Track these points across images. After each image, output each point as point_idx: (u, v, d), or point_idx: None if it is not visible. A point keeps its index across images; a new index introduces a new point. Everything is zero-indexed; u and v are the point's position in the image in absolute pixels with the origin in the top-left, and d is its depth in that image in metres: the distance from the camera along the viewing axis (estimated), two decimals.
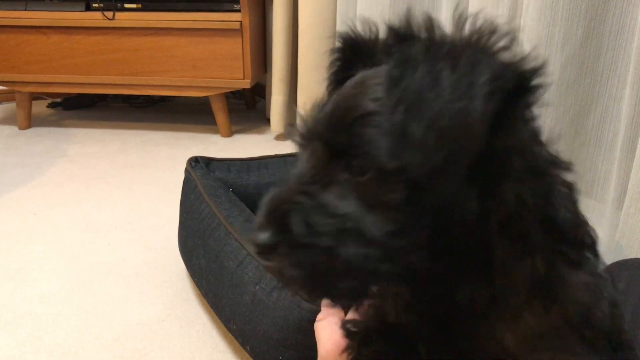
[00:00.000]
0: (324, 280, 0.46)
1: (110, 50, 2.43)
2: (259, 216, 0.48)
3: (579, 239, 0.51)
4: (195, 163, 1.49)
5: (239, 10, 2.32)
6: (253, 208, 1.42)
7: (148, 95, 2.86)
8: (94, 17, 2.37)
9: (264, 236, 0.47)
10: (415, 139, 0.39)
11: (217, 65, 2.38)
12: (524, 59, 0.42)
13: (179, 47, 2.39)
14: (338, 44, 0.57)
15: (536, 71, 0.42)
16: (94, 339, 1.26)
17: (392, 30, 0.44)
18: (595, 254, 0.52)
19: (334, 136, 0.47)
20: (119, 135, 2.55)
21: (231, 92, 2.81)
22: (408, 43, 0.42)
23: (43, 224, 1.77)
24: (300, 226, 0.45)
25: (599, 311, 0.51)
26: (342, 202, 0.46)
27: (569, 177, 0.52)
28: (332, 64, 0.58)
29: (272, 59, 2.42)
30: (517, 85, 0.41)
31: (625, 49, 1.29)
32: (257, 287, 1.07)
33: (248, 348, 1.10)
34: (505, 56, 0.42)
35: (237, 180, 1.51)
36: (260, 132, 2.61)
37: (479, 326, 0.50)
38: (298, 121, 0.54)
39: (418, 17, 0.44)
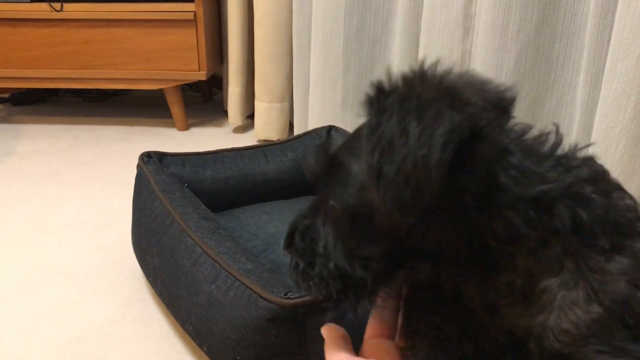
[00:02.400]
0: (309, 283, 0.59)
1: (59, 43, 2.34)
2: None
3: (612, 225, 0.52)
4: (148, 158, 1.45)
5: (192, 0, 2.26)
6: (209, 204, 1.38)
7: (101, 89, 2.78)
8: (41, 9, 2.28)
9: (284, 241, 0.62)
10: (388, 178, 0.47)
11: (171, 57, 2.32)
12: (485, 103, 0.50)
13: (132, 38, 2.31)
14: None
15: (493, 118, 0.49)
16: (44, 344, 1.21)
17: (377, 85, 0.52)
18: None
19: (323, 174, 0.58)
20: (71, 131, 2.47)
21: (187, 85, 2.74)
22: (387, 96, 0.50)
23: None
24: (297, 241, 0.60)
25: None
26: (323, 228, 0.58)
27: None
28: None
29: (228, 49, 2.37)
30: (473, 132, 0.47)
31: (579, 36, 1.29)
32: (212, 287, 1.04)
33: (205, 349, 1.07)
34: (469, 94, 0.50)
35: (193, 175, 1.47)
36: (218, 125, 2.56)
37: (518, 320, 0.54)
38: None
39: (397, 73, 0.52)
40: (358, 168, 0.53)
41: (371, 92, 0.52)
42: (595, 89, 1.20)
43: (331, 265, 0.57)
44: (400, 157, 0.46)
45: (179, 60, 2.32)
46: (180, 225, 1.19)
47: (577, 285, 0.51)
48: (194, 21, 2.27)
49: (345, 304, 0.59)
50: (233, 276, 1.02)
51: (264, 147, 1.63)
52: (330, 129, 1.70)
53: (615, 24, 1.08)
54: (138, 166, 1.44)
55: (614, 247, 0.51)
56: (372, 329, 0.63)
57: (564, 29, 1.31)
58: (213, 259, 1.08)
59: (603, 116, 1.11)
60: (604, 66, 1.13)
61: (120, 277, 1.44)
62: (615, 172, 1.08)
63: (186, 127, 2.48)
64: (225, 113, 2.54)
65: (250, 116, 2.45)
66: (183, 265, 1.13)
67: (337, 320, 0.65)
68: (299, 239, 0.60)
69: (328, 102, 1.99)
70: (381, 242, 0.54)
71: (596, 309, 0.50)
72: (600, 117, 1.12)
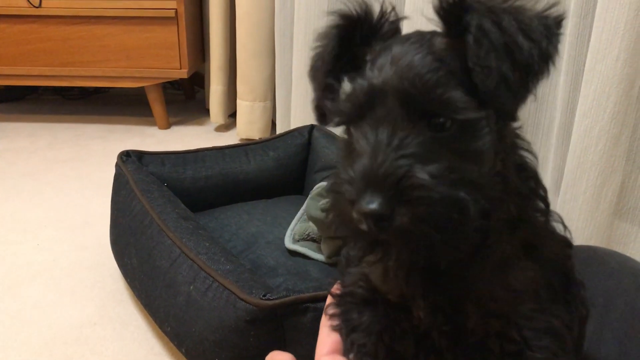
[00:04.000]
0: (454, 232, 0.47)
1: (38, 40, 2.31)
2: (356, 185, 0.46)
3: (541, 189, 0.55)
4: (127, 157, 1.43)
5: None
6: (189, 203, 1.37)
7: (81, 87, 2.75)
8: (19, 4, 2.24)
9: (376, 204, 0.44)
10: (510, 80, 0.46)
11: (152, 55, 2.29)
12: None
13: (112, 36, 2.29)
14: (337, 21, 0.56)
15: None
16: (19, 346, 1.19)
17: None
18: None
19: (411, 97, 0.48)
20: (50, 129, 2.43)
21: (169, 82, 2.72)
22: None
23: None
24: (425, 179, 0.46)
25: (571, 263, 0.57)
26: (438, 158, 0.47)
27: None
28: (329, 42, 0.56)
29: (210, 47, 2.35)
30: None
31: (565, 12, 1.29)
32: (191, 287, 1.02)
33: (184, 350, 1.05)
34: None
35: (172, 174, 1.45)
36: (200, 123, 2.54)
37: (470, 274, 0.52)
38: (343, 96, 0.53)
39: None
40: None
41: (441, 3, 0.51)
42: (575, 89, 1.20)
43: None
44: (520, 57, 0.47)
45: (160, 58, 2.30)
46: (159, 225, 1.17)
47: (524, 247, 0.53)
48: (175, 18, 2.25)
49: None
50: (212, 277, 1.01)
51: (246, 146, 1.61)
52: (312, 128, 1.69)
53: (595, 24, 1.08)
54: (117, 165, 1.42)
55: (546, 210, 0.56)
56: (324, 346, 0.61)
57: None
58: (191, 259, 1.06)
59: (583, 116, 1.12)
60: (584, 66, 1.13)
61: (98, 278, 1.42)
62: (595, 172, 1.10)
63: (167, 125, 2.46)
64: (207, 111, 2.52)
65: (232, 115, 2.43)
66: (161, 266, 1.11)
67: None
68: (416, 182, 0.46)
69: (311, 101, 1.98)
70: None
71: (531, 267, 0.53)
72: (579, 117, 1.13)
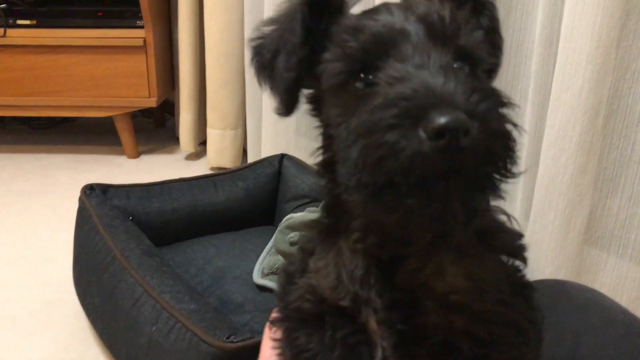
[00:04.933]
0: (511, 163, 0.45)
1: (3, 70, 2.26)
2: (417, 104, 0.41)
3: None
4: (91, 191, 1.39)
5: (142, 27, 2.22)
6: (156, 237, 1.34)
7: (49, 116, 2.69)
8: None
9: (457, 114, 0.40)
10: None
11: (121, 84, 2.26)
12: None
13: (79, 65, 2.25)
14: None
15: None
16: None
17: None
18: None
19: (444, 30, 0.48)
20: (15, 159, 2.38)
21: (139, 110, 2.69)
22: None
23: None
24: (491, 101, 0.43)
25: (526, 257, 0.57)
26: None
27: None
28: (300, 14, 0.52)
29: (180, 76, 2.33)
30: None
31: (525, 65, 1.30)
32: (153, 328, 0.99)
33: None
34: None
35: (138, 207, 1.42)
36: (170, 152, 2.51)
37: (428, 265, 0.51)
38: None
39: None
40: None
41: None
42: (542, 117, 1.20)
43: None
44: None
45: (128, 87, 2.27)
46: (121, 262, 1.14)
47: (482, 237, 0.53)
48: (143, 47, 2.22)
49: None
50: (174, 317, 0.98)
51: (214, 177, 1.59)
52: (282, 157, 1.67)
53: (559, 54, 1.09)
54: (80, 199, 1.38)
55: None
56: (268, 349, 0.59)
57: (510, 58, 1.32)
58: (154, 298, 1.03)
59: (549, 145, 1.12)
60: (550, 96, 1.13)
61: (60, 317, 1.37)
62: (563, 202, 1.09)
63: (136, 154, 2.42)
64: (177, 139, 2.49)
65: (203, 142, 2.40)
66: (123, 306, 1.07)
67: None
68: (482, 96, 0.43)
69: (281, 128, 1.96)
70: None
71: (490, 256, 0.53)
72: (546, 147, 1.13)
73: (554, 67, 1.14)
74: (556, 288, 0.80)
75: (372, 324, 0.53)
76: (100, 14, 2.24)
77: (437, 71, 0.43)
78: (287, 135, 1.96)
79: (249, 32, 2.03)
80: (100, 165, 2.34)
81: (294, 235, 1.18)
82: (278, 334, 0.58)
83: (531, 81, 1.26)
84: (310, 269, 0.57)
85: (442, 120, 0.39)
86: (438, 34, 0.47)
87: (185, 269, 1.28)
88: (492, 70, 0.57)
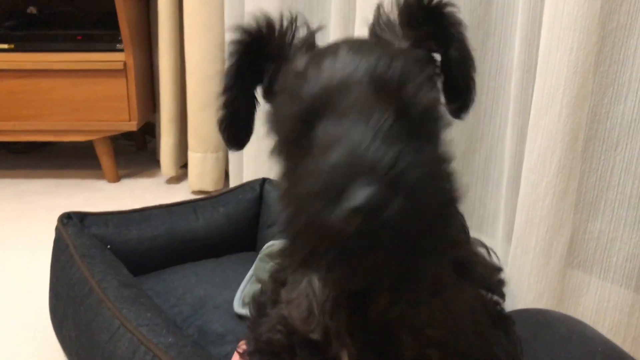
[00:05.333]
0: (444, 228, 0.43)
1: None
2: (338, 175, 0.40)
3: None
4: (68, 220, 1.37)
5: (122, 50, 2.20)
6: (135, 266, 1.31)
7: (28, 141, 2.66)
8: None
9: (372, 192, 0.38)
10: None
11: (101, 108, 2.24)
12: None
13: (58, 89, 2.23)
14: (240, 37, 0.55)
15: None
16: None
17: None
18: None
19: (383, 82, 0.45)
20: None
21: (120, 133, 2.66)
22: None
23: None
24: (415, 166, 0.41)
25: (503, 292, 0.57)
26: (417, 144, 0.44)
27: None
28: (231, 57, 0.56)
29: (160, 100, 2.32)
30: None
31: (505, 89, 1.31)
32: None
33: None
34: None
35: (116, 236, 1.39)
36: (151, 175, 2.48)
37: (402, 298, 0.49)
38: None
39: None
40: None
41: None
42: (522, 142, 1.20)
43: None
44: None
45: (108, 111, 2.25)
46: (98, 294, 1.11)
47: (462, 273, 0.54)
48: (123, 71, 2.21)
49: None
50: (152, 351, 0.95)
51: (194, 202, 1.57)
52: (264, 181, 1.66)
53: (537, 80, 1.09)
54: (57, 229, 1.36)
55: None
56: None
57: (489, 81, 1.33)
58: (131, 331, 1.01)
59: (529, 171, 1.12)
60: (529, 121, 1.14)
61: (35, 350, 1.33)
62: (544, 227, 1.09)
63: (116, 178, 2.39)
64: (158, 162, 2.46)
65: (184, 165, 2.38)
66: (100, 339, 1.05)
67: None
68: (411, 165, 0.42)
69: (263, 151, 1.93)
70: None
71: (468, 289, 0.53)
72: (526, 172, 1.13)
73: (532, 92, 1.15)
74: (538, 318, 0.80)
75: (344, 357, 0.52)
76: (79, 37, 2.22)
77: (369, 137, 0.41)
78: (269, 158, 1.95)
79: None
80: (80, 190, 2.31)
81: (274, 264, 1.16)
82: None
83: (510, 105, 1.26)
84: (282, 299, 0.57)
85: (356, 200, 0.38)
86: (381, 89, 0.45)
87: (164, 299, 1.25)
88: (463, 107, 0.56)
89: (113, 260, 1.26)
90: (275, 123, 0.48)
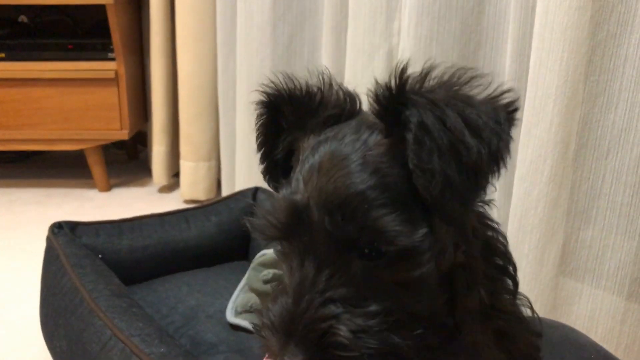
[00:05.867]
0: None
1: None
2: (277, 336, 0.43)
3: (511, 266, 0.55)
4: (59, 229, 1.35)
5: (113, 59, 2.20)
6: (126, 275, 1.31)
7: (18, 150, 2.64)
8: None
9: None
10: (456, 184, 0.41)
11: (92, 117, 2.24)
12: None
13: (49, 98, 2.22)
14: (262, 98, 0.55)
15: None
16: None
17: (384, 90, 0.45)
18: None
19: (338, 227, 0.43)
20: None
21: (112, 142, 2.65)
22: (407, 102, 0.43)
23: None
24: (348, 338, 0.41)
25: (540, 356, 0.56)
26: (372, 294, 0.43)
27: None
28: (258, 118, 0.57)
29: (152, 109, 2.31)
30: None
31: (499, 76, 1.31)
32: None
33: None
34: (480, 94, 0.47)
35: (108, 245, 1.38)
36: (142, 184, 2.47)
37: None
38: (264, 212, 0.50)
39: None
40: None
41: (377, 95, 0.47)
42: (514, 151, 1.21)
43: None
44: (468, 159, 0.43)
45: (100, 120, 2.24)
46: (89, 304, 1.10)
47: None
48: (115, 80, 2.20)
49: None
50: None
51: (186, 212, 1.56)
52: (256, 190, 1.65)
53: (528, 89, 1.10)
54: (47, 238, 1.34)
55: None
56: None
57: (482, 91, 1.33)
58: (123, 342, 1.00)
59: (521, 179, 1.12)
60: (521, 129, 1.14)
61: None
62: (536, 235, 1.09)
63: (108, 187, 2.38)
64: (150, 171, 2.46)
65: (176, 175, 2.38)
66: (91, 350, 1.04)
67: None
68: (346, 336, 0.43)
69: (256, 160, 1.93)
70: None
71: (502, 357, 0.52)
72: (518, 180, 1.13)
73: (524, 102, 1.16)
74: None
75: None
76: (71, 46, 2.22)
77: (309, 296, 0.43)
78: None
79: (222, 65, 2.03)
80: (70, 199, 2.29)
81: (267, 273, 1.16)
82: None
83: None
84: None
85: None
86: (335, 232, 0.43)
87: (156, 309, 1.25)
88: (487, 176, 0.47)
89: (104, 270, 1.25)
90: (258, 229, 0.49)
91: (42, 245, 1.37)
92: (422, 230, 0.44)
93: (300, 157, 0.50)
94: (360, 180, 0.43)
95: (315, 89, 0.53)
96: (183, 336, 1.16)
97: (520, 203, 1.12)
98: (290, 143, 0.55)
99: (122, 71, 2.21)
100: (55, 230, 1.35)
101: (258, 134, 0.56)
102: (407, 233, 0.42)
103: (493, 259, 0.52)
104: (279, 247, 0.50)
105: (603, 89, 1.05)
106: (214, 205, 1.60)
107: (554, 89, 1.04)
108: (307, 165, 0.47)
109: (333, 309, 0.42)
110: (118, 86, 2.22)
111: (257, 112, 0.56)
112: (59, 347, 1.16)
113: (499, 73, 1.29)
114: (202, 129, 2.21)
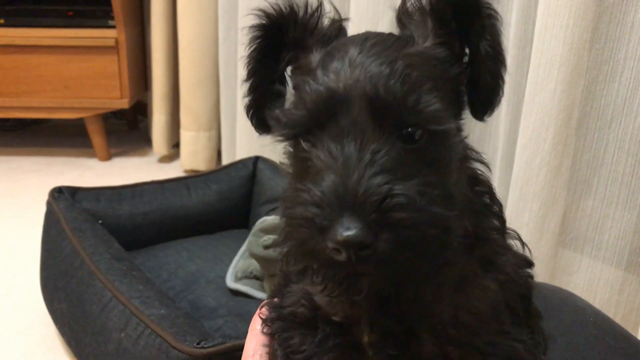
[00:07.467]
0: (440, 255, 0.43)
1: None
2: (328, 209, 0.41)
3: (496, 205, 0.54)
4: (59, 194, 1.36)
5: (114, 27, 2.18)
6: (126, 241, 1.31)
7: (18, 118, 2.64)
8: None
9: (358, 230, 0.39)
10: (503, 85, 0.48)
11: (92, 85, 2.22)
12: None
13: (49, 65, 2.20)
14: (260, 21, 0.52)
15: None
16: None
17: None
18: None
19: (382, 106, 0.43)
20: None
21: (111, 112, 2.64)
22: None
23: None
24: (402, 204, 0.41)
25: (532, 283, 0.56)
26: (414, 172, 0.43)
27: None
28: (252, 42, 0.53)
29: (152, 76, 2.30)
30: None
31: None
32: (122, 335, 0.96)
33: None
34: None
35: (108, 210, 1.39)
36: (142, 154, 2.47)
37: (425, 295, 0.49)
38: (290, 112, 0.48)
39: None
40: None
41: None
42: (516, 119, 1.20)
43: None
44: None
45: (99, 88, 2.23)
46: (90, 266, 1.11)
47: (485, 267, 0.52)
48: (115, 48, 2.18)
49: None
50: (144, 323, 0.95)
51: (187, 179, 1.56)
52: (257, 159, 1.65)
53: (532, 56, 1.09)
54: (48, 202, 1.35)
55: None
56: (254, 343, 0.57)
57: None
58: (123, 303, 1.00)
59: (523, 147, 1.11)
60: (524, 97, 1.13)
61: (28, 324, 1.33)
62: (537, 203, 1.09)
63: (108, 157, 2.38)
64: (150, 141, 2.45)
65: (176, 145, 2.37)
66: (91, 311, 1.04)
67: None
68: (403, 204, 0.41)
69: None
70: None
71: (492, 287, 0.51)
72: (520, 149, 1.13)
73: (527, 69, 1.15)
74: None
75: (365, 338, 0.52)
76: (70, 13, 2.20)
77: (361, 168, 0.42)
78: (262, 137, 1.94)
79: (223, 33, 2.01)
80: (70, 167, 2.29)
81: (267, 239, 1.16)
82: (268, 330, 0.56)
83: (506, 82, 1.26)
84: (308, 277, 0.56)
85: (340, 237, 0.39)
86: (382, 111, 0.43)
87: (156, 274, 1.25)
88: (487, 108, 0.51)
89: (104, 234, 1.25)
90: (282, 122, 0.48)
91: (42, 212, 1.37)
92: (455, 122, 0.48)
93: (313, 61, 0.50)
94: (402, 69, 0.45)
95: (314, 7, 0.53)
96: (183, 300, 1.17)
97: (521, 171, 1.12)
98: (287, 63, 0.54)
99: (123, 39, 2.18)
100: (56, 194, 1.35)
101: (249, 61, 0.53)
102: (446, 117, 0.45)
103: (477, 192, 0.52)
104: (301, 143, 0.47)
105: (608, 57, 1.04)
106: (215, 173, 1.60)
107: (558, 56, 1.03)
108: (332, 63, 0.46)
109: (384, 178, 0.41)
110: (118, 54, 2.20)
111: (252, 35, 0.53)
112: (59, 310, 1.17)
113: (504, 40, 1.28)
114: (202, 98, 2.19)
